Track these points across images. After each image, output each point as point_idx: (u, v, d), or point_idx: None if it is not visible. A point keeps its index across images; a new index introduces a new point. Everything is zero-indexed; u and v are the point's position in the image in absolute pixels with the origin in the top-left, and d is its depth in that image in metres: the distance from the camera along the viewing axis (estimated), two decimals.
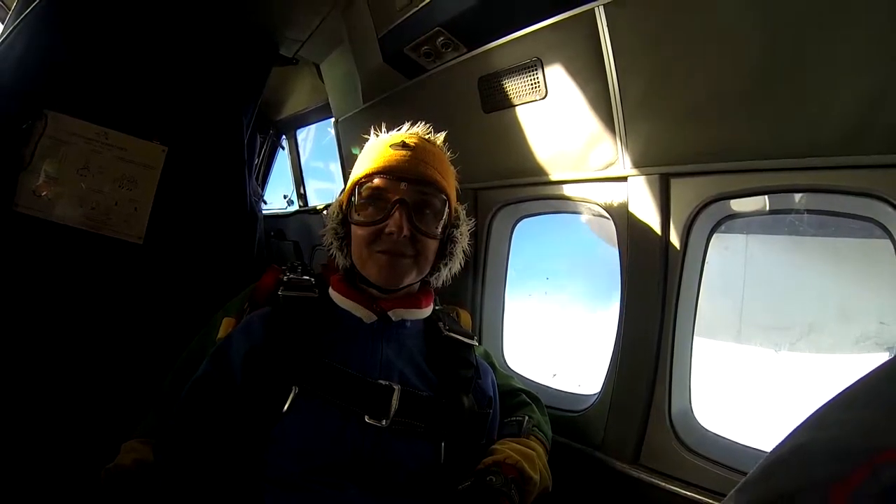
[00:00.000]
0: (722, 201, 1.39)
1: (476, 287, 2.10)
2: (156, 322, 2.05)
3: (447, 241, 1.19)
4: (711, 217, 1.43)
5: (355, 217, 1.14)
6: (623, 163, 1.50)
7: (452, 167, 1.25)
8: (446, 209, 1.16)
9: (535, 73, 1.60)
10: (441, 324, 1.23)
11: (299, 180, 3.55)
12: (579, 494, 1.51)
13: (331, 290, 1.20)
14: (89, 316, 2.02)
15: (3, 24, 2.15)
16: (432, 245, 1.15)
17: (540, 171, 1.77)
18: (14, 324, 1.88)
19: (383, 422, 1.03)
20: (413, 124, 1.24)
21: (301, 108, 3.19)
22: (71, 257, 2.01)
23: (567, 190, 1.74)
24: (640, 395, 1.49)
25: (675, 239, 1.44)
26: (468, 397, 1.14)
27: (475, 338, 1.28)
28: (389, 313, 1.14)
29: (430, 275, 1.21)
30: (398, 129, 1.24)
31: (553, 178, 1.74)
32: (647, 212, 1.48)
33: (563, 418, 1.69)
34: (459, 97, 1.88)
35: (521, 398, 1.43)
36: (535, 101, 1.66)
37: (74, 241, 2.02)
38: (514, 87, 1.69)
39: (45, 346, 1.92)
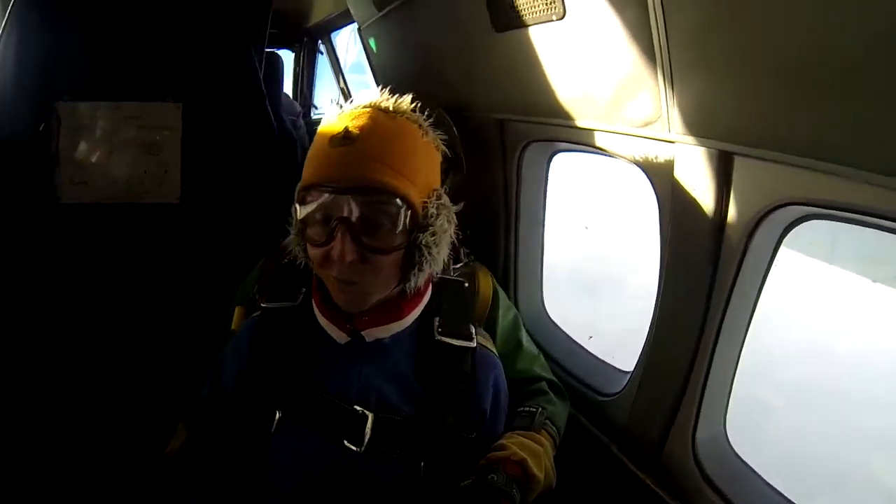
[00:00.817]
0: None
1: (509, 231, 1.86)
2: (203, 277, 2.09)
3: (414, 249, 0.97)
4: (788, 215, 1.02)
5: (306, 231, 0.98)
6: (668, 123, 1.09)
7: (425, 140, 1.02)
8: (404, 215, 0.95)
9: None
10: (437, 320, 1.10)
11: (342, 82, 3.45)
12: (587, 489, 1.42)
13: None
14: (143, 282, 2.14)
15: None
16: (391, 260, 0.96)
17: (564, 114, 1.40)
18: (75, 304, 2.05)
19: (358, 448, 1.00)
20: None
21: (329, 14, 2.95)
22: (119, 231, 2.11)
23: (599, 140, 1.37)
24: (664, 400, 1.28)
25: (734, 233, 1.07)
26: (453, 416, 1.05)
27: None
28: (363, 333, 1.04)
29: (402, 284, 1.03)
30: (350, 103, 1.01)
31: (580, 124, 1.37)
32: (700, 190, 1.10)
33: (587, 399, 1.54)
34: (469, 10, 1.52)
35: (539, 385, 1.36)
36: (552, 20, 1.24)
37: (119, 215, 2.11)
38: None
39: (104, 319, 2.08)
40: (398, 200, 0.93)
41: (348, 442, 1.00)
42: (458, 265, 1.45)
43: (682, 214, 1.16)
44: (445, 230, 1.01)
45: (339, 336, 1.05)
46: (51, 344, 2.02)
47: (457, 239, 1.44)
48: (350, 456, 1.01)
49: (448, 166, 1.41)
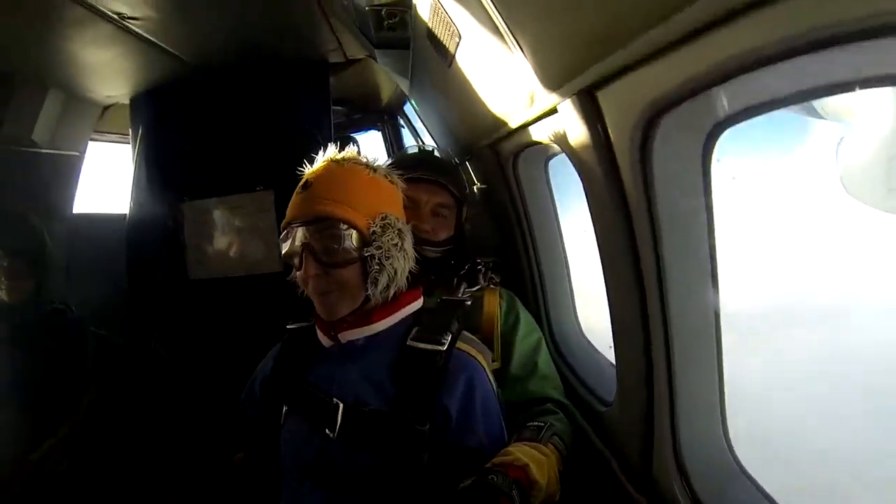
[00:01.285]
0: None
1: (526, 244, 1.86)
2: None
3: (366, 262, 1.17)
4: (691, 130, 0.91)
5: (293, 265, 1.22)
6: (539, 92, 1.11)
7: (372, 176, 1.23)
8: (349, 235, 1.16)
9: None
10: (415, 330, 1.23)
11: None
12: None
13: None
14: (255, 334, 2.48)
15: None
16: (351, 272, 1.17)
17: (500, 124, 1.50)
18: (200, 353, 2.44)
19: (332, 434, 1.16)
20: None
21: (394, 91, 3.27)
22: (236, 298, 2.49)
23: (532, 135, 1.41)
24: (638, 401, 1.16)
25: (628, 173, 0.98)
26: (413, 411, 1.15)
27: (447, 336, 1.21)
28: (339, 336, 1.23)
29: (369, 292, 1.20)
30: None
31: (511, 127, 1.44)
32: (584, 142, 1.06)
33: (593, 410, 1.46)
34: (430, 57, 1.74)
35: (547, 406, 1.41)
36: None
37: (235, 286, 2.51)
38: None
39: (221, 362, 2.26)
40: (342, 224, 1.15)
41: (328, 430, 1.16)
42: (474, 288, 1.55)
43: (587, 175, 1.12)
44: (394, 244, 1.19)
45: (326, 341, 1.27)
46: (181, 380, 2.44)
47: (485, 267, 1.58)
48: (329, 443, 1.16)
49: (462, 201, 1.64)
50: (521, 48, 1.05)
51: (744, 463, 1.11)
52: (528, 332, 1.53)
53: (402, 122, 3.77)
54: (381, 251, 1.17)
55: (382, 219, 1.19)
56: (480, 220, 2.19)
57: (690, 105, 0.78)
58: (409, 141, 3.85)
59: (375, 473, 1.13)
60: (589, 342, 1.74)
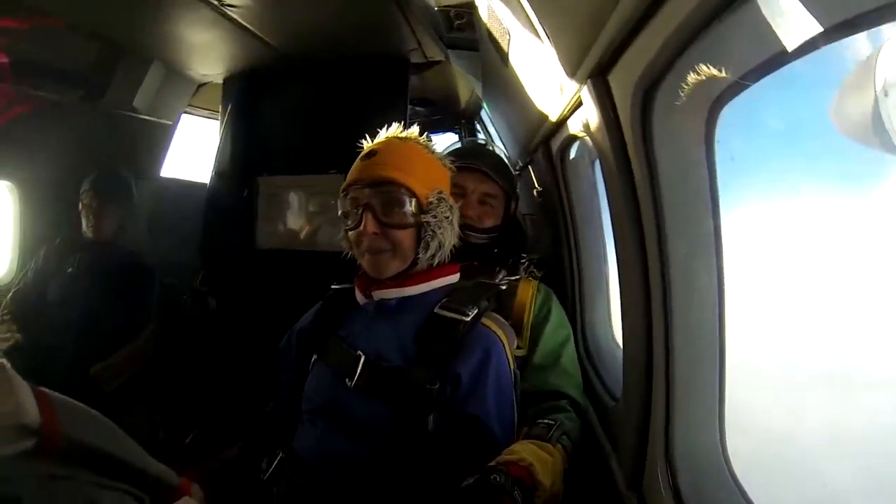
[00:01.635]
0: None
1: (569, 243, 1.87)
2: None
3: (421, 228, 1.27)
4: (689, 105, 0.88)
5: (346, 224, 1.32)
6: (564, 80, 1.15)
7: (430, 155, 1.34)
8: (409, 200, 1.25)
9: None
10: (445, 300, 1.30)
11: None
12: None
13: None
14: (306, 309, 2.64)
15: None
16: (406, 234, 1.26)
17: (543, 119, 1.53)
18: (262, 318, 2.49)
19: (350, 383, 1.24)
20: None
21: (471, 94, 3.38)
22: (300, 270, 2.62)
23: (570, 128, 1.44)
24: (637, 395, 1.13)
25: (634, 154, 0.99)
26: (427, 371, 1.21)
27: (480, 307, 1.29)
28: (373, 294, 1.32)
29: (416, 258, 1.30)
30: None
31: (552, 121, 1.47)
32: (599, 127, 1.08)
33: (604, 405, 1.45)
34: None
35: (561, 403, 1.42)
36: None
37: (300, 259, 2.70)
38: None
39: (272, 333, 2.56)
40: (403, 189, 1.24)
41: (347, 379, 1.24)
42: (514, 277, 1.60)
43: (606, 168, 1.12)
44: (446, 216, 1.29)
45: (361, 299, 1.36)
46: (233, 335, 2.65)
47: (529, 262, 1.69)
48: (345, 391, 1.24)
49: (510, 194, 1.73)
50: (548, 37, 1.10)
51: None
52: (558, 326, 1.55)
53: (478, 126, 3.86)
54: (435, 220, 1.27)
55: (438, 193, 1.30)
56: (539, 223, 2.23)
57: (681, 79, 0.79)
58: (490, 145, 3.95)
59: (383, 423, 1.19)
60: (617, 343, 1.71)
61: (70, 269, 2.31)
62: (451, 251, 1.33)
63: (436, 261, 1.31)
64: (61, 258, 2.35)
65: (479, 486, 1.05)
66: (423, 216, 1.26)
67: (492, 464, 1.11)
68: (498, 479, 1.05)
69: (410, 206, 1.25)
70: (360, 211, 1.25)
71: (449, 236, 1.31)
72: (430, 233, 1.26)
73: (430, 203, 1.28)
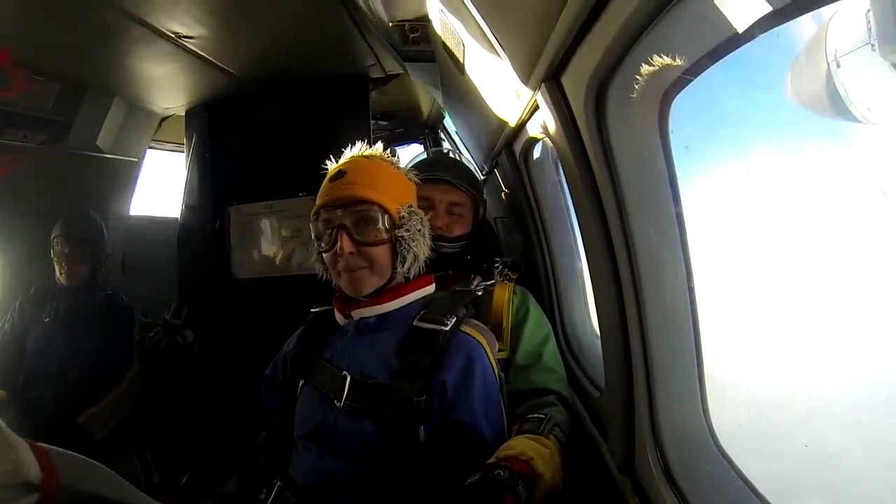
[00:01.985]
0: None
1: (540, 242, 1.91)
2: None
3: (396, 243, 1.29)
4: (641, 99, 0.93)
5: (320, 246, 1.33)
6: (520, 87, 1.18)
7: (396, 171, 1.37)
8: (382, 217, 1.28)
9: None
10: (423, 312, 1.33)
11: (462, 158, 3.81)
12: (576, 494, 1.30)
13: None
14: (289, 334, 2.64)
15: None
16: (382, 251, 1.29)
17: (504, 124, 1.57)
18: (240, 345, 2.57)
19: (339, 403, 1.25)
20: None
21: (432, 104, 3.41)
22: (276, 296, 2.66)
23: (529, 131, 1.47)
24: (619, 383, 1.16)
25: (592, 151, 1.02)
26: (412, 383, 1.22)
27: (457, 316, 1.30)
28: (352, 313, 1.34)
29: (394, 273, 1.32)
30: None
31: (512, 125, 1.50)
32: (557, 129, 1.11)
33: (590, 396, 1.47)
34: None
35: (549, 399, 1.44)
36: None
37: (276, 285, 2.69)
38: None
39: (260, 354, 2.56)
40: (375, 206, 1.27)
41: (336, 400, 1.25)
42: (488, 282, 1.61)
43: (567, 167, 1.16)
44: (418, 229, 1.32)
45: (341, 319, 1.38)
46: (217, 368, 2.64)
47: (503, 265, 1.70)
48: (335, 412, 1.26)
49: (479, 201, 1.74)
50: (501, 45, 1.14)
51: None
52: (537, 325, 1.58)
53: (442, 135, 3.90)
54: (409, 234, 1.30)
55: (408, 206, 1.33)
56: (510, 225, 2.26)
57: (631, 75, 0.83)
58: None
59: (374, 440, 1.20)
60: (597, 335, 1.76)
61: (47, 319, 2.27)
62: (425, 262, 1.36)
63: (411, 273, 1.33)
64: (38, 307, 2.31)
65: (483, 483, 1.06)
66: (396, 231, 1.29)
67: (492, 460, 1.13)
68: (501, 475, 1.06)
69: (384, 223, 1.28)
70: (333, 232, 1.27)
71: (423, 248, 1.34)
72: (406, 246, 1.29)
73: (403, 217, 1.30)
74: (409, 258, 1.30)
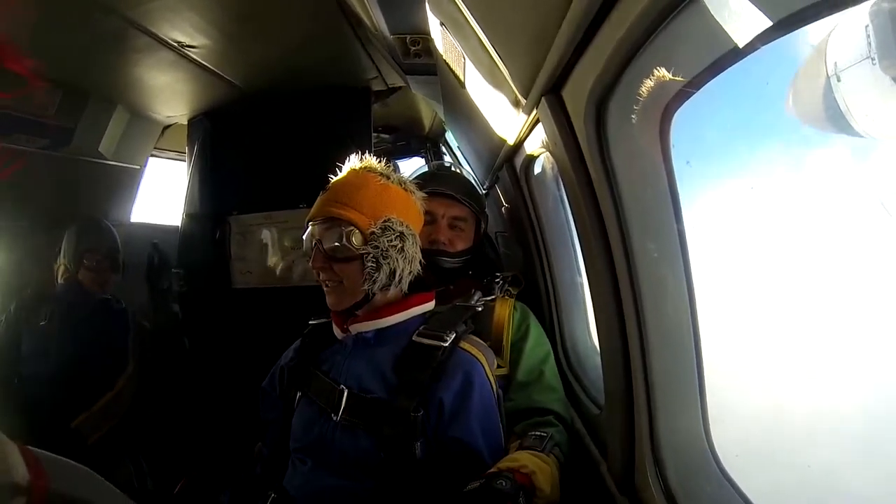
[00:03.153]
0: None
1: (541, 257, 1.89)
2: None
3: (365, 259, 1.26)
4: (642, 113, 0.92)
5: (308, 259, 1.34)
6: (521, 101, 1.18)
7: (384, 183, 1.33)
8: (351, 233, 1.26)
9: None
10: (422, 327, 1.32)
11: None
12: None
13: None
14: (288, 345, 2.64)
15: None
16: (350, 267, 1.27)
17: (505, 139, 1.57)
18: (240, 354, 2.55)
19: (335, 417, 1.25)
20: None
21: (433, 119, 3.42)
22: (274, 306, 2.66)
23: (530, 146, 1.47)
24: (620, 401, 1.14)
25: (593, 165, 1.01)
26: (409, 399, 1.21)
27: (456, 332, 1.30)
28: (350, 328, 1.34)
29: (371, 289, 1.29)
30: None
31: (513, 141, 1.50)
32: (558, 143, 1.10)
33: (590, 413, 1.46)
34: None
35: (548, 419, 1.43)
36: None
37: (275, 295, 2.69)
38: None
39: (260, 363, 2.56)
40: (343, 223, 1.26)
41: (333, 414, 1.25)
42: (488, 298, 1.60)
43: (567, 181, 1.14)
44: (393, 244, 1.27)
45: (339, 333, 1.37)
46: (212, 377, 2.65)
47: (503, 280, 1.70)
48: (332, 426, 1.25)
49: (480, 215, 1.75)
50: (501, 59, 1.13)
51: None
52: (537, 343, 1.57)
53: (443, 148, 3.92)
54: (377, 250, 1.25)
55: (384, 221, 1.28)
56: (510, 240, 2.26)
57: (632, 89, 0.83)
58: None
59: (369, 455, 1.20)
60: (598, 352, 1.74)
61: (43, 322, 2.28)
62: (419, 276, 1.34)
63: (391, 291, 1.32)
64: (34, 310, 2.32)
65: (484, 491, 1.06)
66: (364, 247, 1.26)
67: (494, 470, 1.14)
68: (504, 485, 1.06)
69: (353, 239, 1.26)
70: (313, 246, 1.29)
71: (400, 265, 1.28)
72: (373, 263, 1.25)
73: (373, 233, 1.26)
74: (382, 275, 1.26)
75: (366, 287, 1.27)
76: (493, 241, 2.03)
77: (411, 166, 4.16)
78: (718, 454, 1.07)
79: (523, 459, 1.17)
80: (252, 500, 1.32)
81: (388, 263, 1.26)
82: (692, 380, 1.06)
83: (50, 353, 2.22)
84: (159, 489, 2.18)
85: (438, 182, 1.66)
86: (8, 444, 0.70)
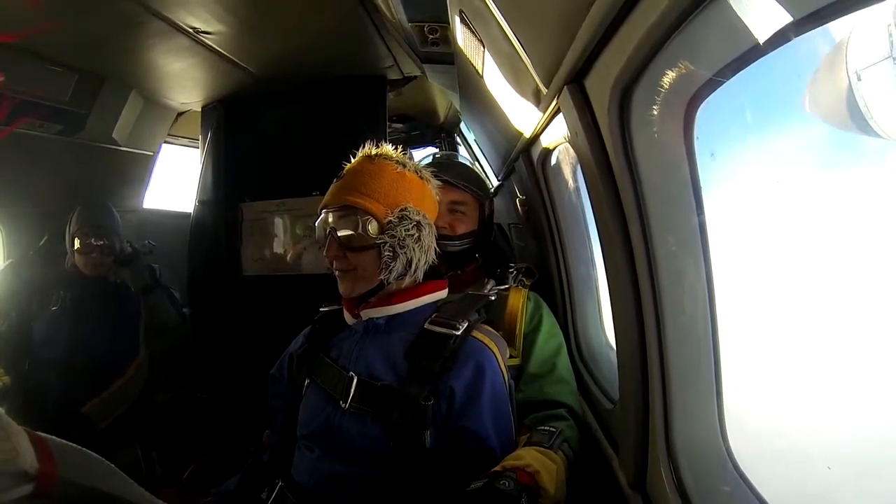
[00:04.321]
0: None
1: (556, 250, 1.87)
2: None
3: (381, 248, 1.25)
4: (666, 105, 0.90)
5: (321, 247, 1.33)
6: (542, 90, 1.15)
7: (400, 171, 1.32)
8: (367, 222, 1.25)
9: None
10: (434, 315, 1.31)
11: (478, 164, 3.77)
12: None
13: None
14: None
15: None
16: (366, 256, 1.25)
17: (523, 130, 1.56)
18: (251, 341, 2.55)
19: (344, 404, 1.23)
20: None
21: (449, 108, 3.40)
22: (285, 294, 2.68)
23: (549, 136, 1.45)
24: (634, 395, 1.12)
25: (615, 158, 0.99)
26: (420, 387, 1.20)
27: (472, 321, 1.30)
28: (361, 313, 1.32)
29: (387, 277, 1.28)
30: None
31: (532, 131, 1.48)
32: (580, 133, 1.08)
33: (602, 408, 1.44)
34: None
35: (560, 412, 1.42)
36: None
37: (286, 283, 2.71)
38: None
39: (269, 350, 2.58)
40: (359, 212, 1.24)
41: (341, 401, 1.23)
42: (503, 287, 1.60)
43: (588, 173, 1.12)
44: (410, 234, 1.26)
45: (350, 319, 1.36)
46: (233, 370, 2.65)
47: (517, 271, 1.69)
48: (340, 413, 1.24)
49: (482, 199, 1.72)
50: (522, 47, 1.11)
51: None
52: (550, 334, 1.56)
53: (458, 139, 3.89)
54: (394, 239, 1.24)
55: (401, 210, 1.27)
56: (524, 231, 2.24)
57: (656, 80, 0.81)
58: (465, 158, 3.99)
59: (378, 443, 1.19)
60: (611, 346, 1.72)
61: (55, 308, 2.28)
62: (432, 264, 1.33)
63: (407, 280, 1.30)
64: (45, 296, 2.32)
65: (486, 491, 1.04)
66: (380, 237, 1.25)
67: (497, 468, 1.11)
68: (507, 486, 1.04)
69: (368, 228, 1.24)
70: (327, 234, 1.27)
71: (417, 254, 1.28)
72: (389, 252, 1.24)
73: (390, 222, 1.25)
74: (399, 264, 1.25)
75: (381, 276, 1.26)
76: (506, 232, 2.02)
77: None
78: (734, 454, 1.05)
79: (528, 458, 1.15)
80: (259, 488, 1.32)
81: (405, 253, 1.25)
82: (709, 376, 1.03)
83: (61, 338, 2.23)
84: (168, 475, 2.20)
85: (437, 169, 1.66)
86: (16, 430, 0.69)
